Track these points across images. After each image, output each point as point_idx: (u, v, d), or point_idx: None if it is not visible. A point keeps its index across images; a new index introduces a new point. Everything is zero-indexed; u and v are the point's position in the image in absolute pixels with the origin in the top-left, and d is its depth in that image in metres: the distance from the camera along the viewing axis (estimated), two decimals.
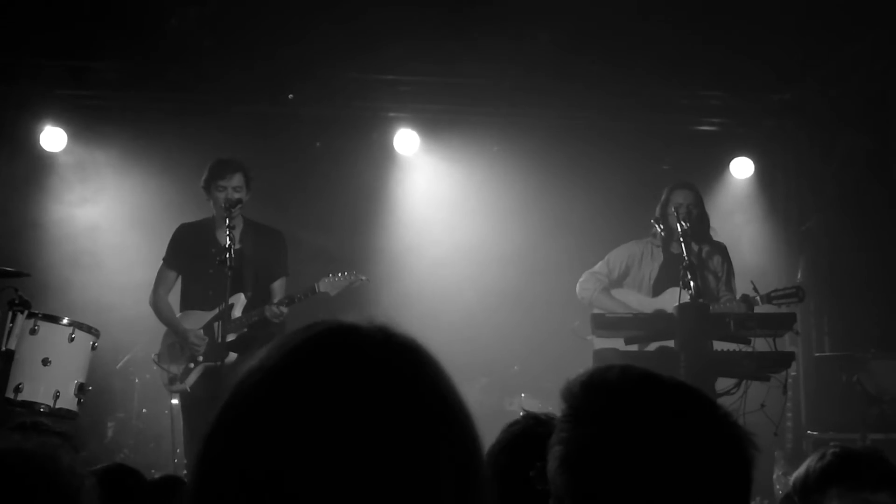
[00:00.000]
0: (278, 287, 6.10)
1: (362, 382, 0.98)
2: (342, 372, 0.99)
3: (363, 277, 6.07)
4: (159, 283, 6.17)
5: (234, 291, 5.75)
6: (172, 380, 5.96)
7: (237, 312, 5.85)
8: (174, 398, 6.19)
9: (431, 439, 0.99)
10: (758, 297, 6.07)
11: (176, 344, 6.00)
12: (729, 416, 1.46)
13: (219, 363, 5.72)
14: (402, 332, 1.06)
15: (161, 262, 6.22)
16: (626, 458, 1.37)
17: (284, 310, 5.83)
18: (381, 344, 1.03)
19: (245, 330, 5.82)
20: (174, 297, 6.23)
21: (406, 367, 1.03)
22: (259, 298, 5.98)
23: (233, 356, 5.68)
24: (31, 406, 5.20)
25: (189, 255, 6.08)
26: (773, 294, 6.15)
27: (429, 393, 1.02)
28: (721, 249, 6.59)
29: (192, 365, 5.93)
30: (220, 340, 5.75)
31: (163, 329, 6.16)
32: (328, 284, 5.94)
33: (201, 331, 5.92)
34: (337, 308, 7.53)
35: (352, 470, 0.94)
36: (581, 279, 6.66)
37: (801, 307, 8.14)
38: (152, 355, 6.17)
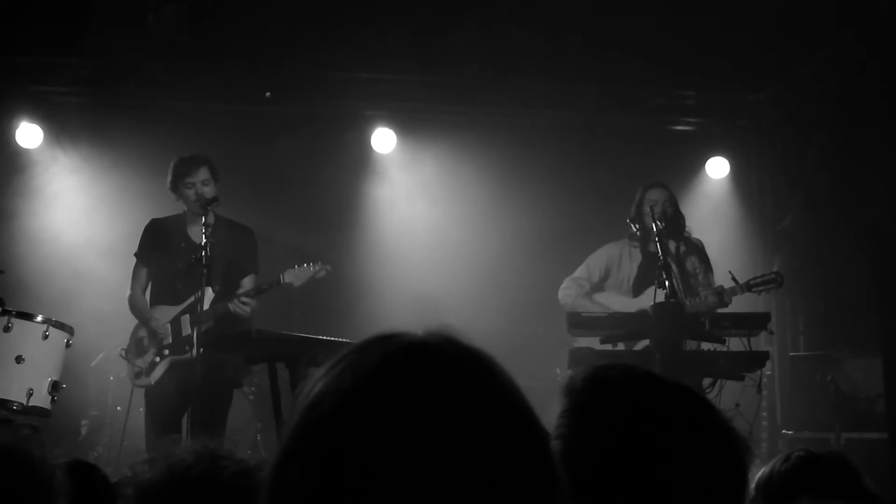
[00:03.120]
0: (247, 284, 6.11)
1: (449, 404, 0.98)
2: (430, 390, 0.99)
3: (328, 267, 6.07)
4: (135, 281, 6.16)
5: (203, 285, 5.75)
6: (138, 374, 5.95)
7: (205, 306, 5.84)
8: (138, 389, 6.13)
9: (524, 445, 1.01)
10: (734, 287, 6.10)
11: (143, 339, 5.99)
12: (727, 420, 1.49)
13: (185, 356, 5.75)
14: (467, 340, 1.07)
15: (134, 258, 6.20)
16: (626, 456, 1.38)
17: (249, 302, 5.83)
18: (458, 360, 1.03)
19: (211, 324, 5.80)
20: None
21: (484, 377, 1.03)
22: (226, 293, 5.99)
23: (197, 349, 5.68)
24: (3, 404, 5.17)
25: (159, 249, 6.08)
26: (752, 282, 6.18)
27: (513, 403, 1.03)
28: (697, 247, 6.61)
29: (157, 359, 5.91)
30: (189, 333, 5.76)
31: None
32: (293, 275, 5.97)
33: (168, 325, 5.93)
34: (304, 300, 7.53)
35: (455, 493, 0.94)
36: (563, 285, 6.63)
37: (775, 306, 8.23)
38: (119, 349, 6.15)
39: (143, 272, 6.16)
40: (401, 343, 1.04)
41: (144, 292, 6.16)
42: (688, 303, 5.92)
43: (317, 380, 1.04)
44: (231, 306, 5.79)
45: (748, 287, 6.14)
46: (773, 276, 6.27)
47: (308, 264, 6.02)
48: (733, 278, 6.11)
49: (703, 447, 1.41)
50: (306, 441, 0.99)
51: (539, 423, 1.05)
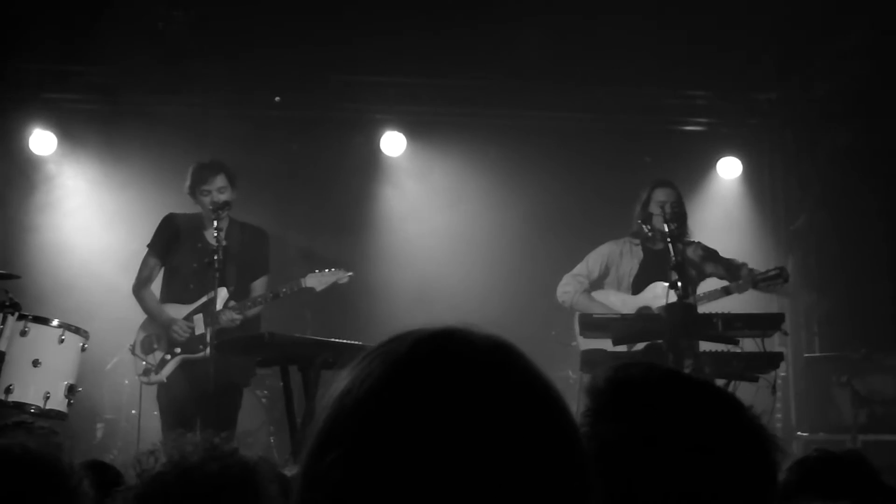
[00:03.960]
0: (259, 286, 6.12)
1: (479, 384, 0.99)
2: (462, 374, 1.00)
3: (350, 273, 6.10)
4: (143, 271, 6.15)
5: (218, 285, 5.77)
6: (147, 371, 5.95)
7: (218, 307, 5.86)
8: (149, 385, 6.10)
9: (551, 430, 1.01)
10: (739, 284, 6.07)
11: (152, 335, 5.99)
12: (756, 417, 1.45)
13: (197, 355, 5.76)
14: (493, 333, 1.08)
15: (146, 248, 6.20)
16: (649, 455, 1.36)
17: (238, 316, 5.84)
18: (488, 345, 1.04)
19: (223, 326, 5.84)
20: (154, 289, 6.21)
21: (514, 364, 1.04)
22: (240, 294, 6.01)
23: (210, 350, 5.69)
24: (21, 407, 5.20)
25: (174, 245, 6.08)
26: (758, 278, 6.15)
27: (542, 387, 1.04)
28: (697, 244, 6.57)
29: (168, 357, 5.92)
30: (203, 332, 5.77)
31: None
32: (314, 279, 5.98)
33: (185, 322, 5.92)
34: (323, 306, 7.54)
35: (483, 474, 0.95)
36: (561, 282, 6.58)
37: (789, 307, 8.20)
38: (128, 345, 6.12)
39: (154, 264, 6.15)
40: (430, 332, 1.05)
41: (151, 284, 6.15)
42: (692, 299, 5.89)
43: (346, 374, 1.05)
44: (222, 320, 5.80)
45: (754, 284, 6.11)
46: (778, 271, 6.21)
47: (330, 269, 6.03)
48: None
49: (731, 444, 1.38)
50: (339, 426, 1.00)
51: (568, 410, 1.05)
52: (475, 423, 0.96)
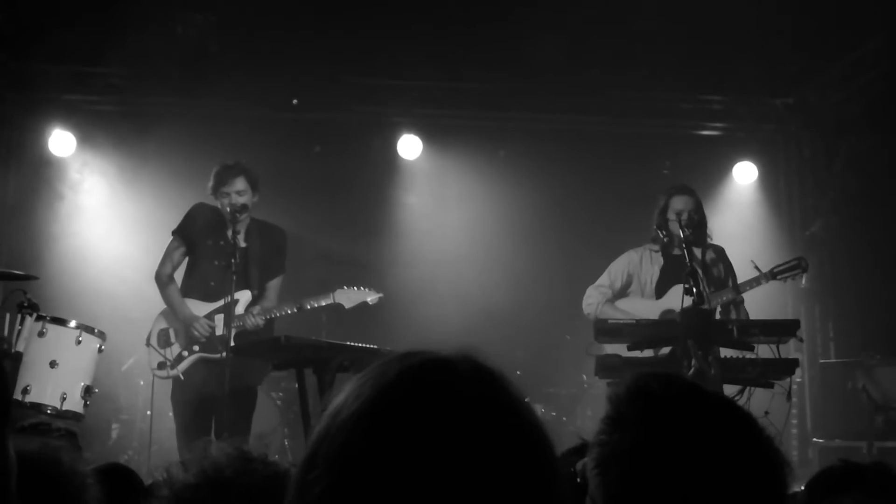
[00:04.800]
0: (274, 286, 6.14)
1: (456, 420, 1.03)
2: (437, 410, 1.04)
3: (379, 294, 6.16)
4: (167, 258, 6.15)
5: (241, 288, 5.80)
6: (161, 365, 5.95)
7: (240, 309, 5.89)
8: (164, 379, 6.10)
9: (527, 467, 1.04)
10: (758, 277, 6.03)
11: (169, 329, 6.00)
12: (770, 437, 1.46)
13: (215, 355, 5.77)
14: (489, 363, 1.11)
15: (171, 235, 6.19)
16: (659, 465, 1.37)
17: (261, 321, 5.87)
18: (471, 379, 1.08)
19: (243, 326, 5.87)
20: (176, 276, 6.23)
21: (496, 401, 1.07)
22: (260, 295, 6.03)
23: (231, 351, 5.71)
24: (38, 407, 5.25)
25: (201, 235, 6.08)
26: (776, 269, 6.10)
27: (519, 423, 1.07)
28: (719, 251, 6.54)
29: (185, 353, 5.93)
30: (223, 333, 5.78)
31: None
32: (344, 296, 6.03)
33: (206, 322, 5.94)
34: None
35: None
36: (585, 294, 6.57)
37: (804, 313, 8.15)
38: (145, 339, 6.13)
39: (180, 250, 6.16)
40: (419, 360, 1.09)
41: (174, 272, 6.16)
42: (710, 303, 5.86)
43: (343, 391, 1.10)
44: (248, 325, 5.84)
45: (772, 275, 6.06)
46: (797, 261, 6.15)
47: (360, 287, 6.08)
48: (756, 267, 6.04)
49: (739, 462, 1.40)
50: (325, 443, 1.06)
51: (549, 442, 1.08)
52: (449, 453, 1.00)
